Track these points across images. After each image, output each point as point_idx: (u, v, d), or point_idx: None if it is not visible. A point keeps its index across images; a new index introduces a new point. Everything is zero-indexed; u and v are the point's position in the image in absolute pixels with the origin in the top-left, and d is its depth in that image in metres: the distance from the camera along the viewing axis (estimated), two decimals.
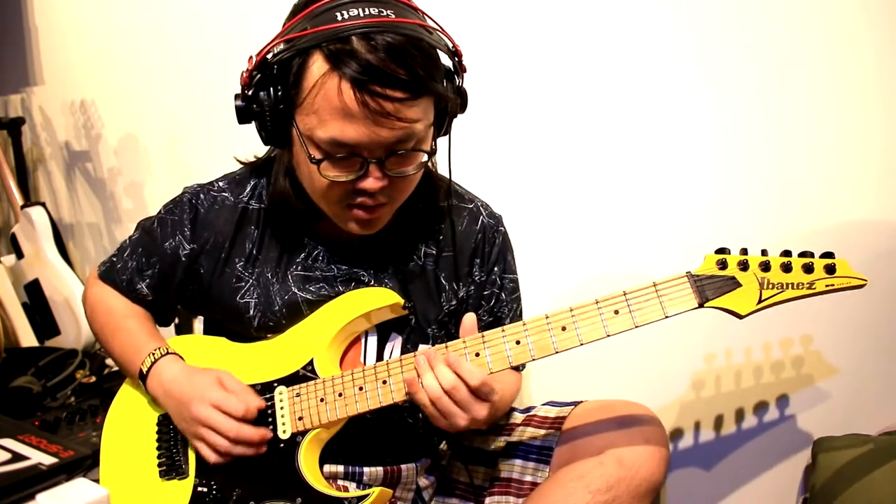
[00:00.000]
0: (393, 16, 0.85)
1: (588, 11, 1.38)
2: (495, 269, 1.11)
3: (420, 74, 0.85)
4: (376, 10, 0.84)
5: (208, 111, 1.92)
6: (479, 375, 0.88)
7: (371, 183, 0.89)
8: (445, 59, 0.92)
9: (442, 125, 0.96)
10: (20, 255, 2.22)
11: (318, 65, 0.85)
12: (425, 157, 0.92)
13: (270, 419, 0.98)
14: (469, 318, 0.95)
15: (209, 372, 0.99)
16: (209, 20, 1.91)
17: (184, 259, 1.05)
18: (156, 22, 2.03)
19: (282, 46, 0.87)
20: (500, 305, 1.12)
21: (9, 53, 2.50)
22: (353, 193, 0.92)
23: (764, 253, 0.89)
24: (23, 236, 2.21)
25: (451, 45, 0.92)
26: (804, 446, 1.29)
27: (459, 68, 0.94)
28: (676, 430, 1.42)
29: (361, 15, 0.84)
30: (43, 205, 2.20)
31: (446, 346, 0.93)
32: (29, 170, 2.46)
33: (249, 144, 1.07)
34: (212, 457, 0.95)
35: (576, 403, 1.11)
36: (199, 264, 1.05)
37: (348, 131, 0.85)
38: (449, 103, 0.93)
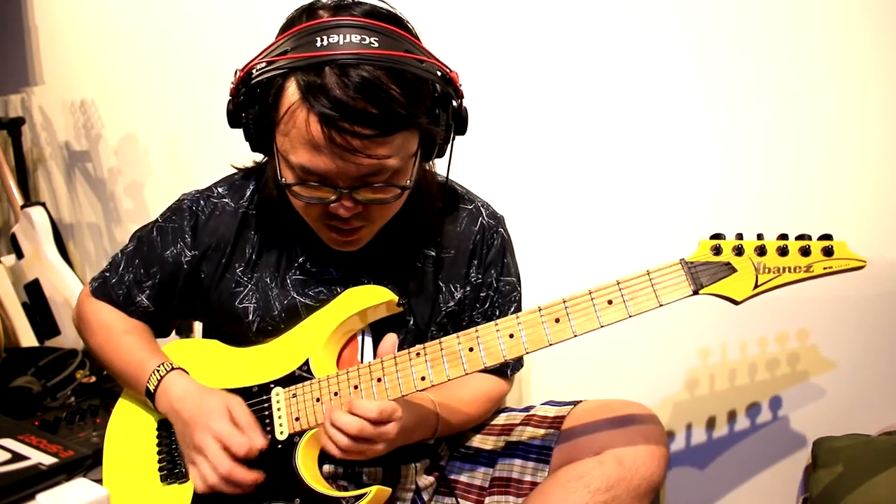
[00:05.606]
0: (376, 44, 0.82)
1: (586, 8, 1.38)
2: (492, 271, 1.10)
3: (394, 111, 0.83)
4: (358, 38, 0.82)
5: (208, 111, 1.91)
6: (374, 407, 0.87)
7: (342, 210, 0.89)
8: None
9: (431, 153, 0.94)
10: (20, 255, 2.21)
11: (291, 91, 0.84)
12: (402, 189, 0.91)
13: (268, 420, 0.98)
14: (389, 339, 0.95)
15: (219, 396, 0.98)
16: (209, 20, 1.90)
17: (185, 266, 1.05)
18: (156, 22, 2.03)
19: (263, 65, 0.86)
20: (493, 308, 1.11)
21: (9, 53, 2.50)
22: (328, 215, 0.92)
23: (759, 237, 0.87)
24: (23, 236, 2.20)
25: (443, 72, 0.90)
26: (804, 446, 1.29)
27: (456, 93, 0.92)
28: (676, 429, 1.42)
29: (341, 43, 0.81)
30: (43, 205, 2.20)
31: (440, 343, 0.93)
32: (29, 170, 2.46)
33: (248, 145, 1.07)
34: (200, 486, 0.94)
35: (575, 403, 1.11)
36: (201, 270, 1.05)
37: (316, 162, 0.85)
38: (436, 135, 0.91)
